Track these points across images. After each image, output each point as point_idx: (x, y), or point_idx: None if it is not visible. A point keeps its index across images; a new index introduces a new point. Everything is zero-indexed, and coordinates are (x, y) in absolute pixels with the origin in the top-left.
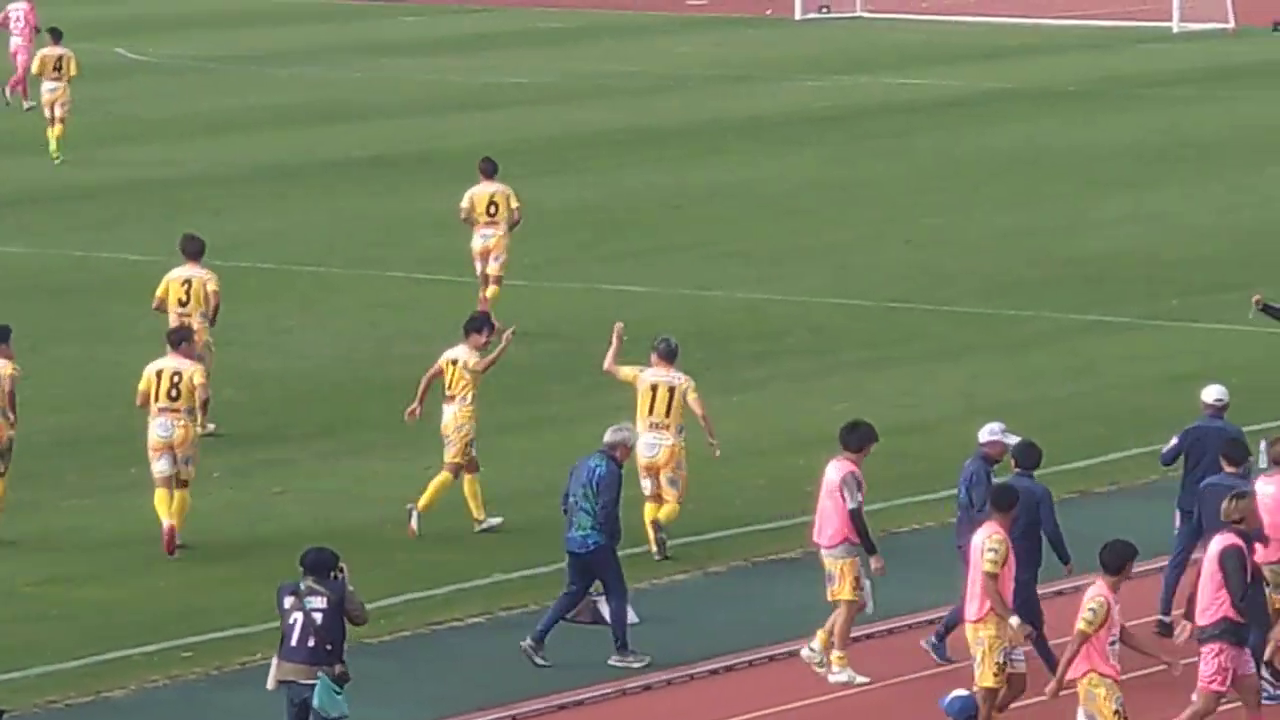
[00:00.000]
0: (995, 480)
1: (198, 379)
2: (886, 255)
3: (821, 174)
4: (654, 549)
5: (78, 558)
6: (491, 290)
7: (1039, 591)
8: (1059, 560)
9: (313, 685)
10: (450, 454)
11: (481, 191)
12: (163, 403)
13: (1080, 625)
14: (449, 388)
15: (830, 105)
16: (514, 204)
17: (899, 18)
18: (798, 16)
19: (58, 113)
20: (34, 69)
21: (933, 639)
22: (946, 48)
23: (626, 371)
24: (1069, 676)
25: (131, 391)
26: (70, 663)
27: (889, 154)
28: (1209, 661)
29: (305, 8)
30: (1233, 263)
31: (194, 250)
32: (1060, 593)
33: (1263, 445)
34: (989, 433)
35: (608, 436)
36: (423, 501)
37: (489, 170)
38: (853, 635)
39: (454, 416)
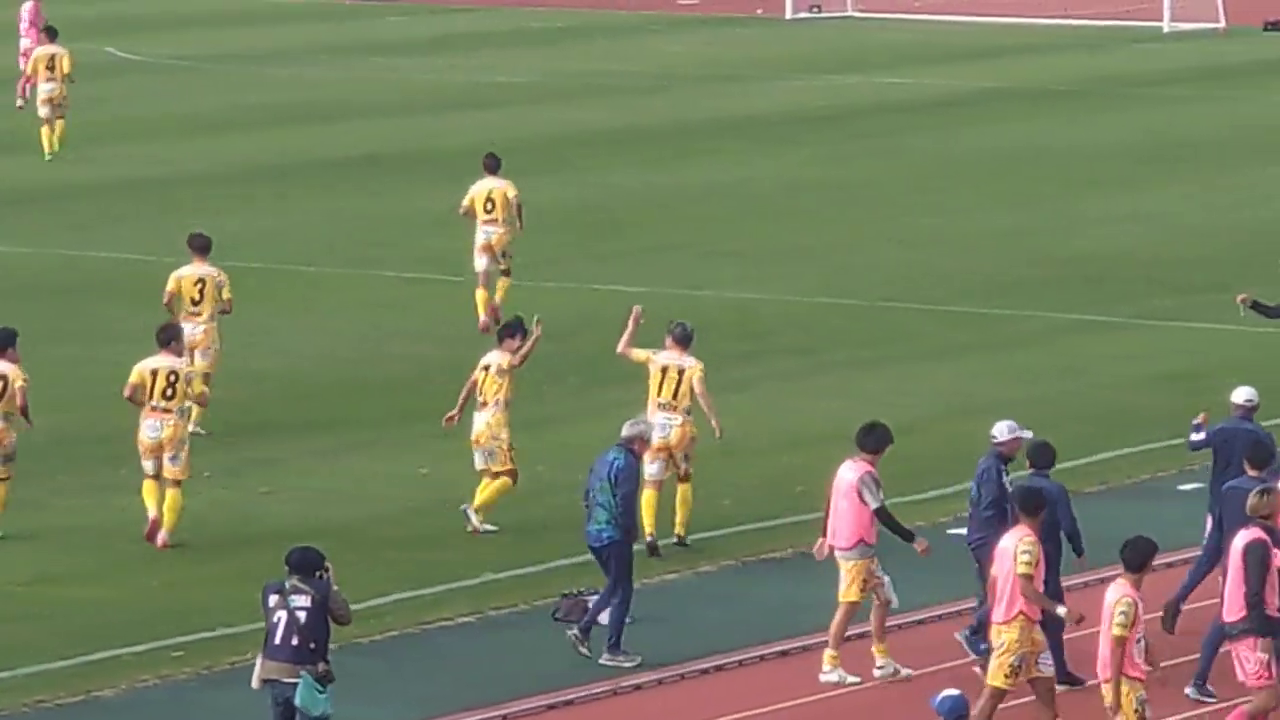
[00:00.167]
0: (1022, 483)
1: (198, 387)
2: (877, 255)
3: (812, 173)
4: (645, 540)
5: (68, 557)
6: (503, 284)
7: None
8: (1073, 552)
9: (296, 684)
10: (498, 463)
11: (481, 188)
12: (157, 402)
13: (1116, 631)
14: (480, 393)
15: (822, 105)
16: (511, 194)
17: (890, 17)
18: (788, 16)
19: (56, 112)
20: (28, 69)
21: (965, 632)
22: (937, 47)
23: (639, 354)
24: (1103, 679)
25: (117, 391)
26: (60, 662)
27: (880, 154)
28: (1248, 659)
29: (298, 7)
30: (1225, 262)
31: (201, 245)
32: (1067, 588)
33: None
34: (1007, 430)
35: (625, 430)
36: (476, 501)
37: (492, 166)
38: (848, 634)
39: (488, 425)
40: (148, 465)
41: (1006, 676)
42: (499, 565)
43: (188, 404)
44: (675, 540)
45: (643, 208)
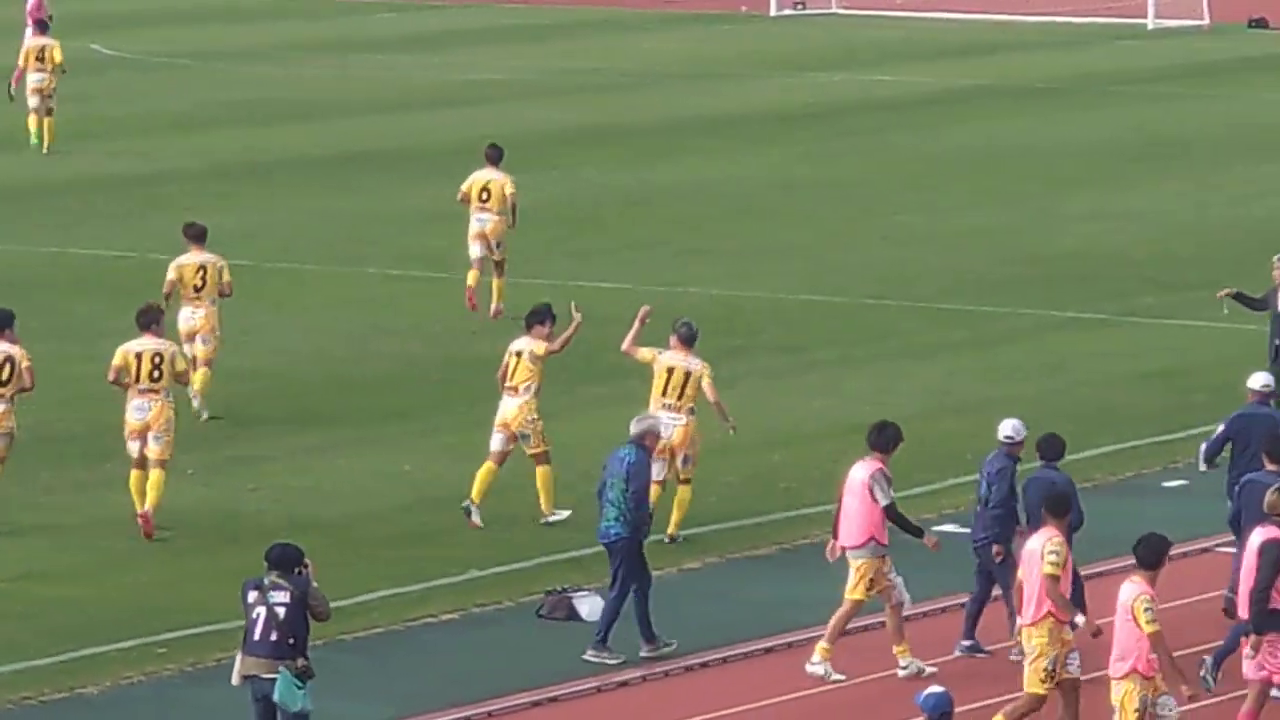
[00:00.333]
0: (1041, 480)
1: (180, 365)
2: (861, 252)
3: (798, 171)
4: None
5: (51, 554)
6: (498, 283)
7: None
8: None
9: (275, 680)
10: (533, 445)
11: (480, 177)
12: (144, 384)
13: (1152, 629)
14: (511, 379)
15: (805, 102)
16: (509, 190)
17: (873, 14)
18: (772, 13)
19: (45, 103)
20: (20, 61)
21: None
22: (921, 44)
23: (644, 353)
24: (1113, 675)
25: (101, 388)
26: (45, 659)
27: (866, 151)
28: (1275, 654)
29: (285, 4)
30: (1211, 260)
31: (197, 234)
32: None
33: None
34: (1016, 430)
35: (634, 428)
36: (544, 503)
37: (494, 157)
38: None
39: (519, 409)
40: (133, 447)
41: (1043, 681)
42: (483, 562)
43: (199, 388)
44: (666, 539)
45: (627, 205)
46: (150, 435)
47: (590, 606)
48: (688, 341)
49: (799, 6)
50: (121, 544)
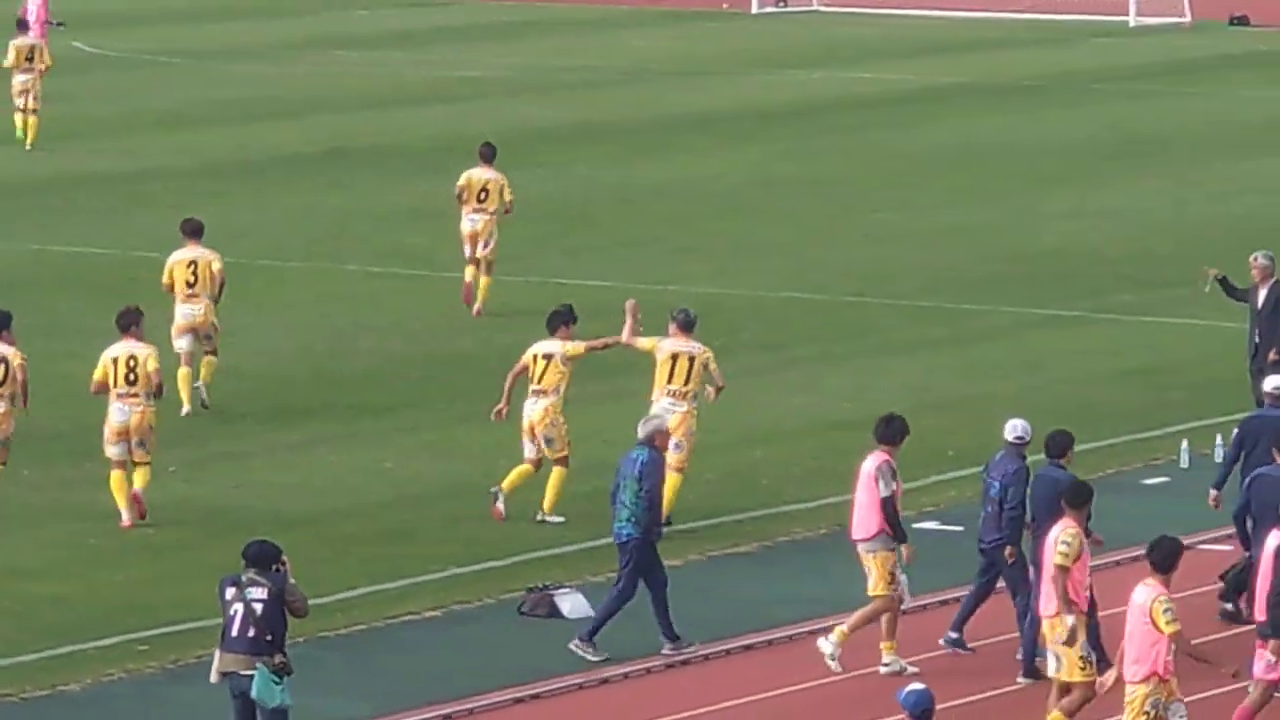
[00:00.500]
0: (1051, 475)
1: (151, 365)
2: (841, 250)
3: (779, 169)
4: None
5: (34, 551)
6: (484, 282)
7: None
8: None
9: (252, 676)
10: (553, 452)
11: (478, 176)
12: (121, 388)
13: (1174, 630)
14: (538, 381)
15: (786, 100)
16: (507, 196)
17: (854, 12)
18: (754, 10)
19: (30, 104)
20: (6, 61)
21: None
22: (902, 42)
23: (644, 342)
24: (1130, 680)
25: (83, 386)
26: (26, 656)
27: (844, 149)
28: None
29: (264, 2)
30: (1191, 258)
31: (193, 229)
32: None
33: None
34: (1026, 431)
35: (642, 430)
36: (547, 502)
37: (488, 155)
38: (809, 629)
39: (545, 411)
40: (114, 451)
41: (1082, 669)
42: (464, 560)
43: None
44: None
45: (610, 202)
46: (134, 441)
47: (572, 604)
48: (686, 327)
49: (780, 4)
50: (104, 541)
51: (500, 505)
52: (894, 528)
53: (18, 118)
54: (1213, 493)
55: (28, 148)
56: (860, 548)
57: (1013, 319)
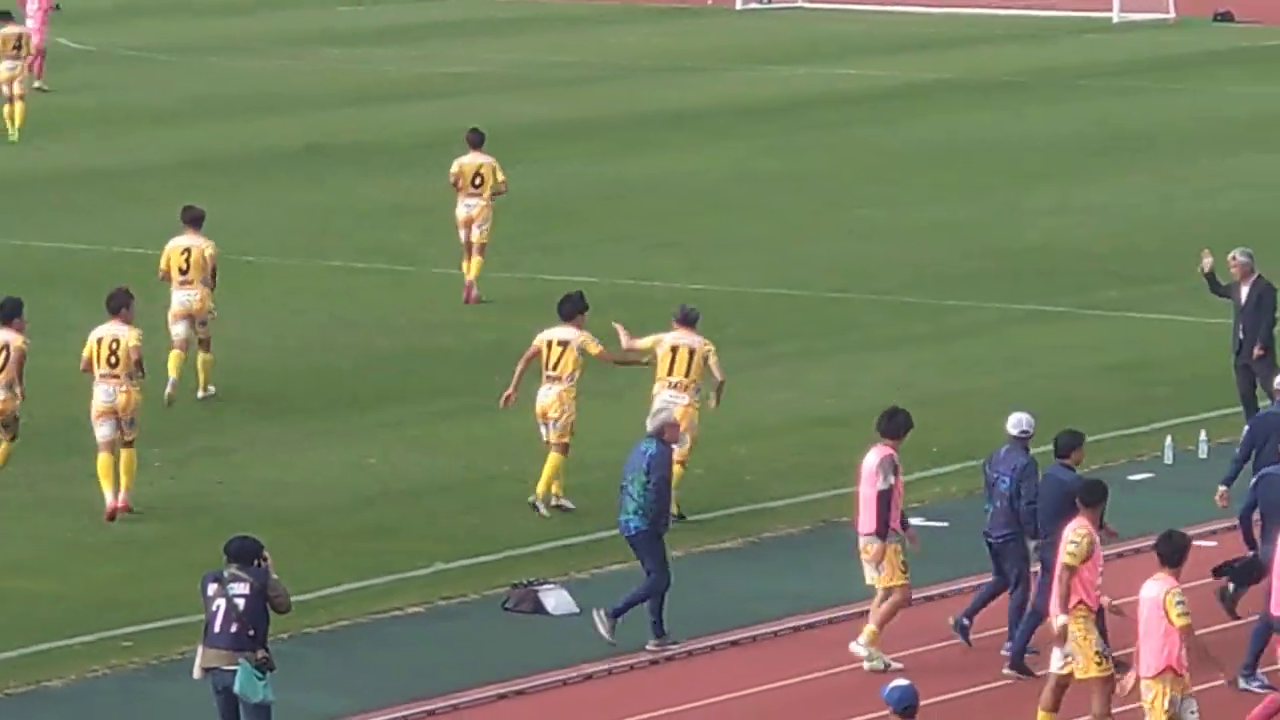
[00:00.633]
0: (1059, 472)
1: (131, 341)
2: (824, 246)
3: (762, 165)
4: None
5: (18, 547)
6: (475, 261)
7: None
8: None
9: (235, 671)
10: (556, 435)
11: (470, 162)
12: (103, 369)
13: (1184, 623)
14: (552, 368)
15: (769, 96)
16: (500, 176)
17: (837, 8)
18: (738, 7)
19: (16, 90)
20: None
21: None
22: (885, 38)
23: (645, 341)
24: (1145, 675)
25: (68, 381)
26: (9, 652)
27: (830, 145)
28: None
29: None
30: (1175, 254)
31: (192, 218)
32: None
33: None
34: (1030, 424)
35: (652, 424)
36: (540, 488)
37: (476, 141)
38: (793, 625)
39: (559, 397)
40: (102, 430)
41: (1099, 664)
42: (449, 555)
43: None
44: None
45: (593, 198)
46: (124, 420)
47: (556, 599)
48: (687, 322)
49: (765, 0)
50: (87, 537)
51: (567, 503)
52: (880, 521)
53: (4, 108)
54: (1221, 489)
55: (14, 137)
56: (864, 540)
57: (996, 315)
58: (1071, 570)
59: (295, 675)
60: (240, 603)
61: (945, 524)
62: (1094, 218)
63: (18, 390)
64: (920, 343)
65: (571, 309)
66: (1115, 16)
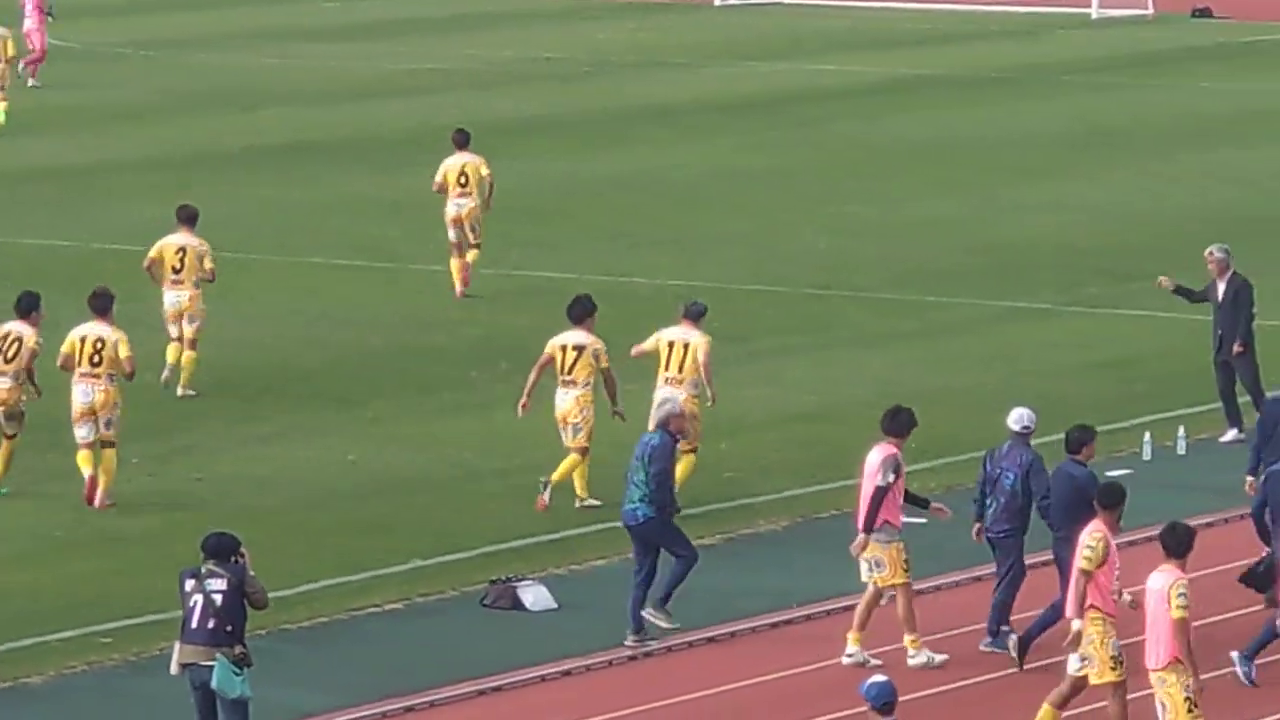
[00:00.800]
0: (1067, 473)
1: (123, 351)
2: (805, 242)
3: (743, 161)
4: None
5: None
6: (472, 255)
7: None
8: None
9: (212, 667)
10: (579, 439)
11: (454, 163)
12: (84, 368)
13: (1180, 614)
14: (567, 373)
15: (751, 92)
16: (484, 171)
17: (818, 4)
18: (717, 2)
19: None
20: None
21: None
22: (865, 34)
23: (649, 344)
24: (1155, 667)
25: (49, 379)
26: None
27: (811, 141)
28: None
29: None
30: (1153, 250)
31: (187, 216)
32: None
33: None
34: (1032, 420)
35: (657, 415)
36: (557, 475)
37: (461, 141)
38: (772, 621)
39: (576, 401)
40: (80, 432)
41: (1114, 668)
42: (427, 552)
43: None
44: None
45: (573, 195)
46: (100, 419)
47: (534, 596)
48: (693, 317)
49: None
50: (66, 534)
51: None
52: (868, 517)
53: None
54: (1249, 479)
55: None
56: (863, 537)
57: (978, 312)
58: (1087, 575)
59: (273, 671)
60: (217, 598)
61: (924, 520)
62: (1076, 214)
63: (32, 386)
64: (903, 339)
65: (581, 312)
66: (1094, 12)
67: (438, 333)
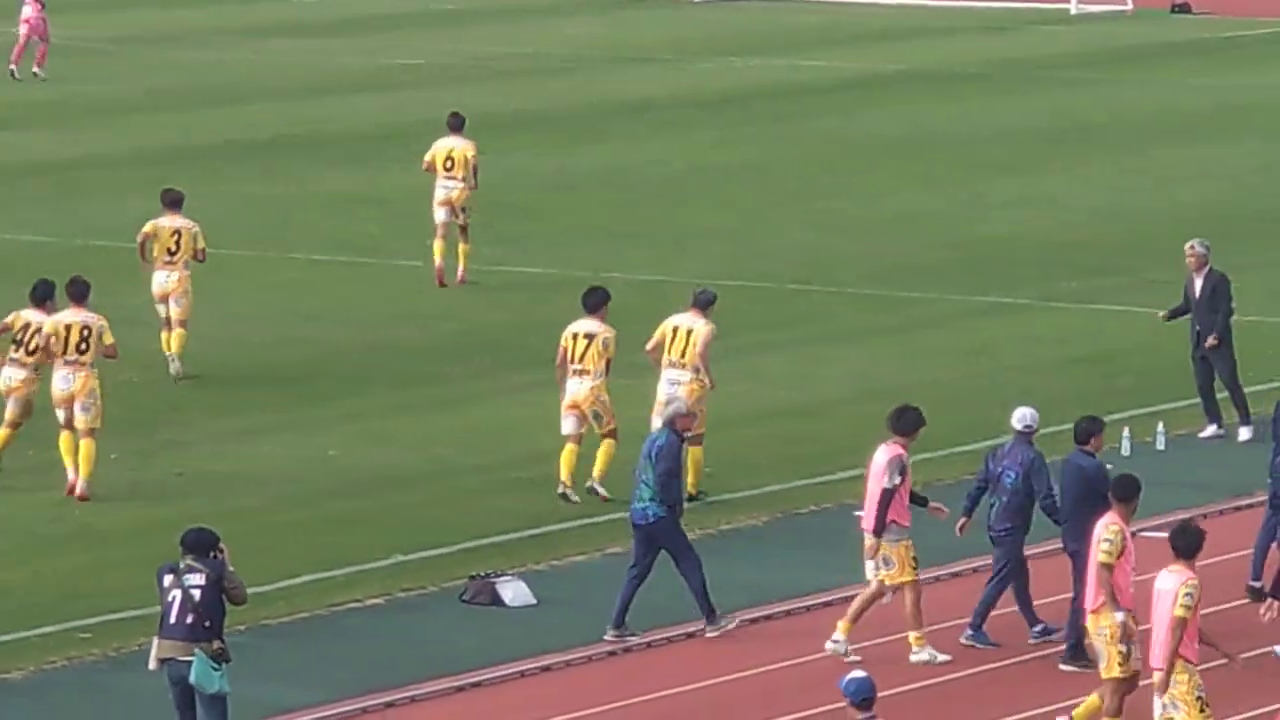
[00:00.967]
0: (1077, 465)
1: (107, 339)
2: (783, 237)
3: (720, 156)
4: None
5: None
6: (463, 249)
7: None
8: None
9: (190, 662)
10: (605, 423)
11: (442, 146)
12: (70, 355)
13: (1180, 613)
14: (579, 361)
15: (727, 87)
16: (470, 155)
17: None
18: None
19: None
20: None
21: (969, 632)
22: (842, 29)
23: (657, 333)
24: (1154, 666)
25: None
26: None
27: (785, 136)
28: None
29: None
30: (1134, 246)
31: (173, 200)
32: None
33: None
34: (1034, 419)
35: (665, 415)
36: (597, 470)
37: (455, 125)
38: (751, 617)
39: (590, 391)
40: (60, 414)
41: (1120, 665)
42: (407, 547)
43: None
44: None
45: (550, 190)
46: (77, 405)
47: (514, 591)
48: (701, 305)
49: None
50: (45, 529)
51: (574, 497)
52: (878, 518)
53: None
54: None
55: None
56: (871, 539)
57: (958, 307)
58: (1109, 569)
59: (253, 666)
60: (196, 593)
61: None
62: (1054, 209)
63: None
64: (881, 334)
65: (596, 301)
66: (1073, 8)
67: (416, 328)
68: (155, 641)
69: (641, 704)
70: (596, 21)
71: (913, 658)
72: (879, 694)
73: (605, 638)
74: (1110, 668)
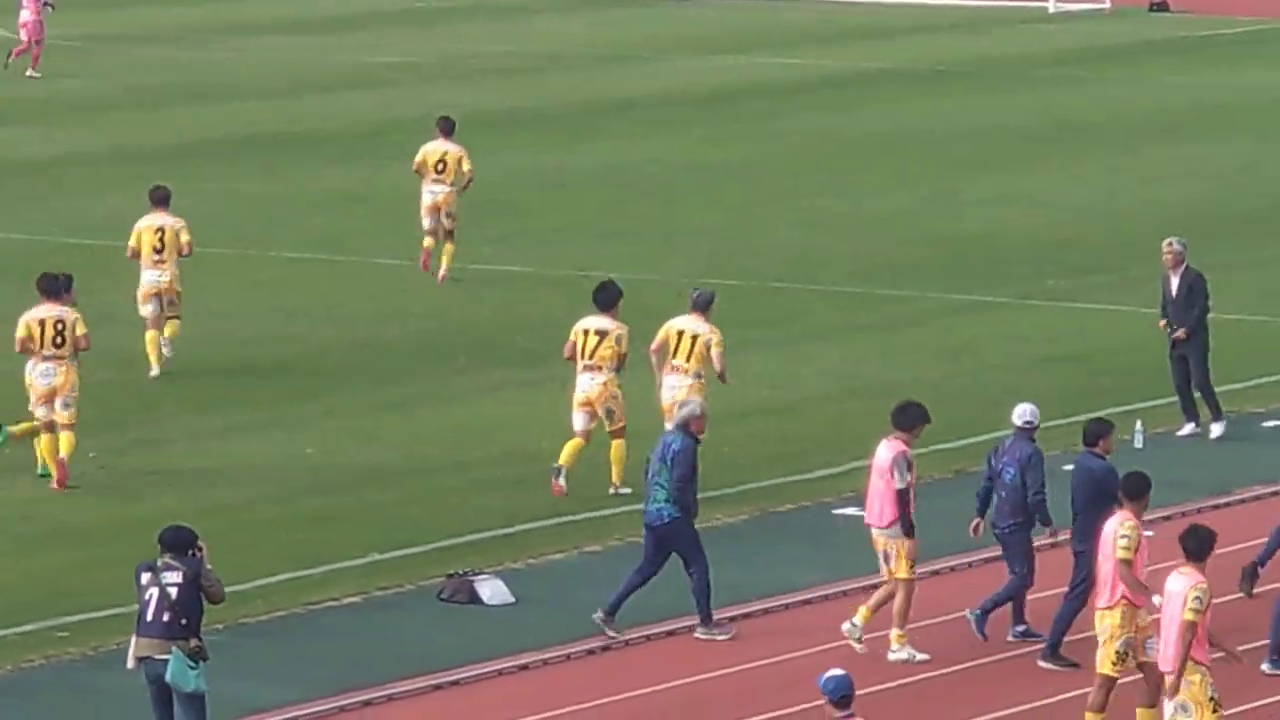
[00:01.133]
0: (1093, 466)
1: (79, 329)
2: (765, 236)
3: (703, 154)
4: None
5: None
6: (448, 248)
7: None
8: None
9: (168, 660)
10: (617, 420)
11: (434, 148)
12: (48, 350)
13: (1189, 616)
14: (589, 357)
15: (712, 85)
16: (465, 166)
17: None
18: None
19: None
20: None
21: (977, 612)
22: (824, 28)
23: (660, 336)
24: (1164, 670)
25: (9, 373)
26: None
27: (767, 135)
28: None
29: None
30: (1113, 243)
31: (160, 197)
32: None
33: None
34: (1035, 415)
35: (679, 417)
36: (615, 475)
37: (446, 129)
38: (731, 615)
39: (604, 386)
40: (40, 411)
41: (1114, 664)
42: (385, 546)
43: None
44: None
45: (534, 189)
46: (58, 400)
47: (491, 589)
48: (700, 307)
49: None
50: (22, 528)
51: (561, 481)
52: (903, 519)
53: None
54: None
55: None
56: (876, 533)
57: (939, 305)
58: (1129, 565)
59: (230, 665)
60: (173, 592)
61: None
62: (1035, 207)
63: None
64: (863, 332)
65: (608, 298)
66: (1052, 6)
67: (396, 326)
68: (133, 640)
69: (619, 702)
70: (581, 19)
71: (891, 656)
72: (857, 692)
73: (594, 617)
74: (1103, 664)
